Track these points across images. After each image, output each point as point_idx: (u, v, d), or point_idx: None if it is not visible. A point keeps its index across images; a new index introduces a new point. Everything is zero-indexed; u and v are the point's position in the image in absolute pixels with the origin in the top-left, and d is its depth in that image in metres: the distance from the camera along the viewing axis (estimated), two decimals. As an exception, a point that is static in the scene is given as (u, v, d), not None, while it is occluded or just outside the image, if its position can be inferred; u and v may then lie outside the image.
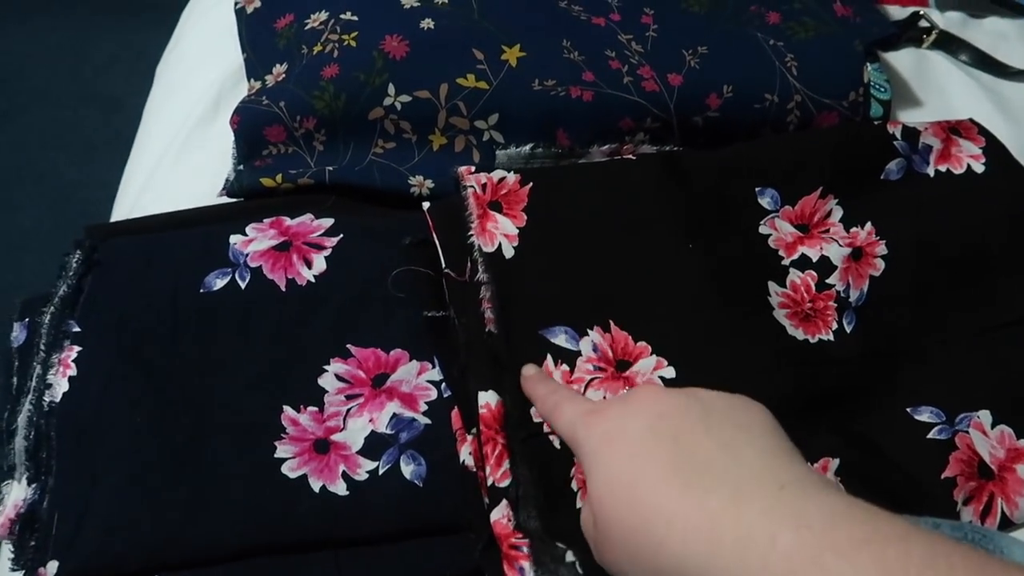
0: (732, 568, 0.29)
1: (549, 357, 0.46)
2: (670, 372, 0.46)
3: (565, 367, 0.46)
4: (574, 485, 0.42)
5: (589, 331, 0.47)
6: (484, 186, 0.51)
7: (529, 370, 0.45)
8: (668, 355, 0.47)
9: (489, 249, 0.48)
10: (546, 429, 0.43)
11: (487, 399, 0.43)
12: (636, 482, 0.33)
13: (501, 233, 0.49)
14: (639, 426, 0.35)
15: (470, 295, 0.47)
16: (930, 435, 0.47)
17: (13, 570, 0.41)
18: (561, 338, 0.47)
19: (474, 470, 0.43)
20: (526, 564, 0.39)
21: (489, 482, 0.42)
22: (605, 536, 0.34)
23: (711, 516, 0.31)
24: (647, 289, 0.49)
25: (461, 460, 0.44)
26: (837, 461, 0.45)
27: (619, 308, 0.48)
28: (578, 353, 0.46)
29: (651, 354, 0.47)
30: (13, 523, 0.42)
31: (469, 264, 0.48)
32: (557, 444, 0.43)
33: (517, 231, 0.49)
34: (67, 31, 1.65)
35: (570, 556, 0.39)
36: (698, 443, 0.34)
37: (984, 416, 0.48)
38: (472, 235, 0.49)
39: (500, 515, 0.40)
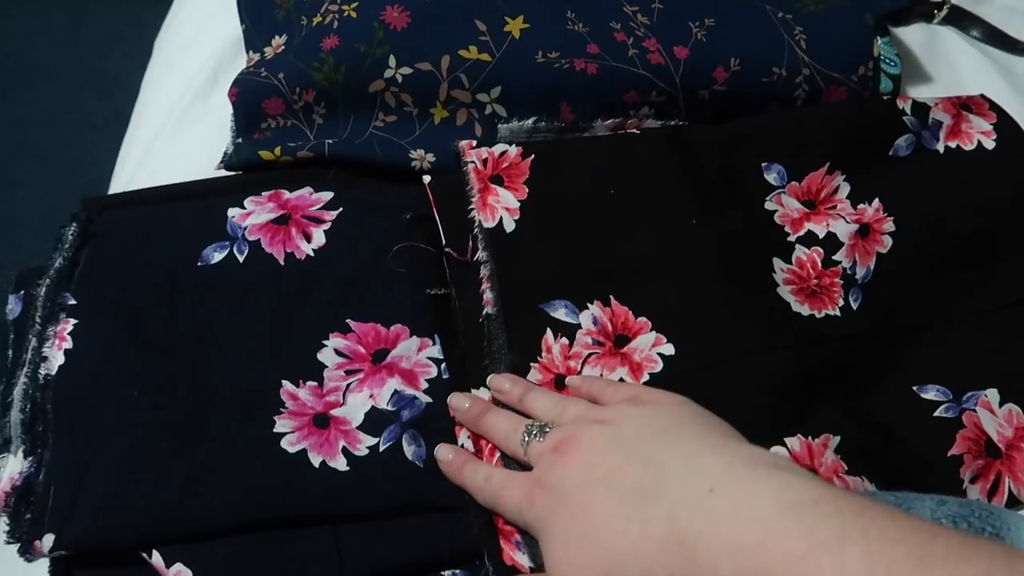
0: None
1: (549, 331, 0.46)
2: (669, 349, 0.46)
3: (564, 340, 0.46)
4: None
5: (589, 305, 0.47)
6: (485, 161, 0.50)
7: (446, 450, 0.43)
8: (668, 331, 0.46)
9: (490, 224, 0.48)
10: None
11: (481, 393, 0.44)
12: (586, 537, 0.35)
13: (502, 206, 0.48)
14: (573, 484, 0.36)
15: (470, 275, 0.47)
16: (937, 413, 0.46)
17: (8, 543, 0.41)
18: (561, 312, 0.46)
19: (473, 453, 0.43)
20: (520, 538, 0.39)
21: None
22: None
23: (657, 543, 0.32)
24: (649, 264, 0.48)
25: (460, 444, 0.43)
26: (838, 438, 0.44)
27: (620, 283, 0.47)
28: (578, 326, 0.46)
29: (651, 330, 0.46)
30: (9, 496, 0.42)
31: (470, 242, 0.48)
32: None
33: (519, 204, 0.49)
34: (66, 8, 1.64)
35: None
36: (625, 474, 0.35)
37: (992, 394, 0.47)
38: (473, 210, 0.48)
39: None
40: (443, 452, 0.43)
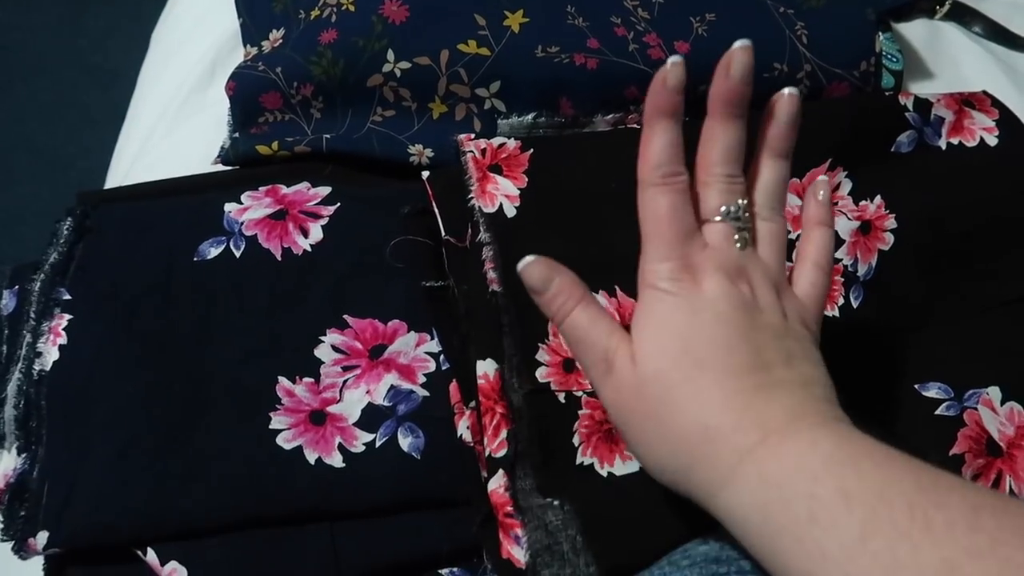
0: (764, 467, 0.31)
1: None
2: None
3: None
4: (576, 439, 0.42)
5: (595, 295, 0.46)
6: (484, 151, 0.49)
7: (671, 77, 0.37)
8: None
9: (490, 210, 0.47)
10: (553, 386, 0.43)
11: (485, 368, 0.42)
12: (707, 356, 0.33)
13: (502, 194, 0.48)
14: (733, 316, 0.34)
15: (471, 260, 0.46)
16: (938, 411, 0.46)
17: (2, 540, 0.40)
18: None
19: (472, 444, 0.42)
20: (520, 532, 0.39)
21: (487, 452, 0.41)
22: (639, 390, 0.33)
23: (766, 420, 0.32)
24: None
25: (459, 434, 0.43)
26: None
27: (625, 273, 0.47)
28: None
29: None
30: (2, 493, 0.42)
31: (470, 229, 0.47)
32: (562, 399, 0.43)
33: (518, 192, 0.48)
34: (64, 2, 1.63)
35: (556, 502, 0.39)
36: (774, 360, 0.34)
37: (993, 392, 0.47)
38: (472, 198, 0.48)
39: (497, 484, 0.40)
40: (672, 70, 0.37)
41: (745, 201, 0.37)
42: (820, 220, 0.41)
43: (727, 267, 0.35)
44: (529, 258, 0.36)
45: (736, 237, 0.36)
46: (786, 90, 0.39)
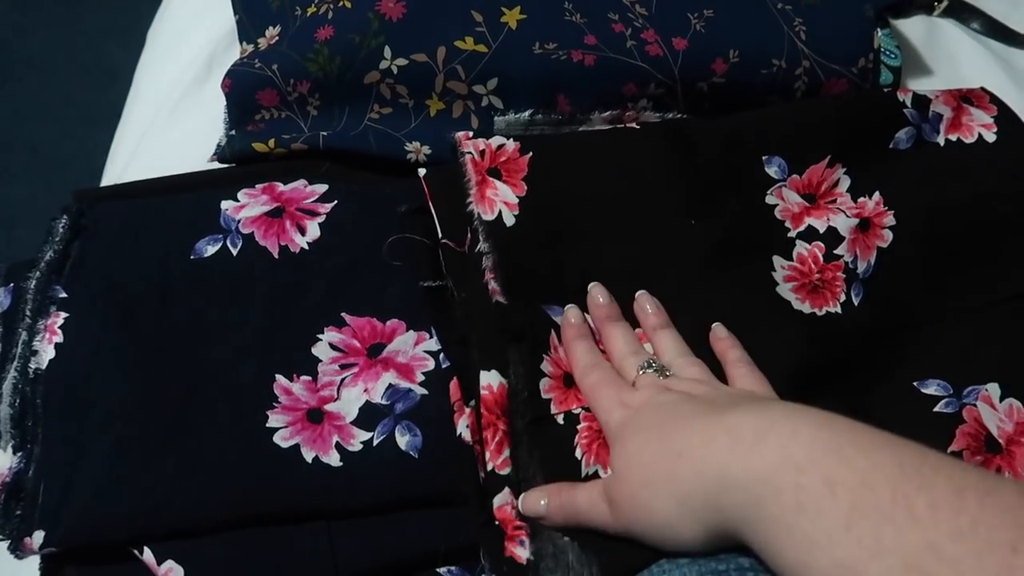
0: (752, 459, 0.31)
1: (554, 332, 0.45)
2: None
3: None
4: (578, 452, 0.41)
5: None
6: (483, 152, 0.49)
7: (572, 316, 0.45)
8: None
9: (489, 217, 0.47)
10: (553, 411, 0.43)
11: (489, 379, 0.42)
12: (660, 432, 0.36)
13: (501, 201, 0.48)
14: (664, 409, 0.38)
15: (470, 267, 0.46)
16: (937, 408, 0.46)
17: (-2, 540, 0.40)
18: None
19: (471, 443, 0.42)
20: (526, 539, 0.39)
21: (489, 467, 0.41)
22: (624, 479, 0.36)
23: (729, 427, 0.33)
24: (651, 265, 0.48)
25: (458, 432, 0.43)
26: None
27: (622, 288, 0.46)
28: None
29: None
30: (-1, 492, 0.41)
31: (469, 234, 0.47)
32: (561, 420, 0.42)
33: (517, 200, 0.48)
34: (61, 1, 1.63)
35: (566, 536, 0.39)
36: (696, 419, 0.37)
37: (992, 389, 0.47)
38: (471, 203, 0.48)
39: (503, 502, 0.40)
40: (571, 313, 0.45)
41: (653, 356, 0.44)
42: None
43: (657, 387, 0.40)
44: (521, 498, 0.40)
45: (659, 377, 0.42)
46: (638, 294, 0.46)
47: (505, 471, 0.40)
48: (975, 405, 0.46)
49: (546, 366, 0.44)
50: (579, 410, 0.43)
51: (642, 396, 0.40)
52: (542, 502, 0.40)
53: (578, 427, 0.42)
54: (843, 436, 0.31)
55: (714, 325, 0.46)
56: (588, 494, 0.38)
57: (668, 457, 0.35)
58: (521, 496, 0.40)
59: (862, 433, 0.31)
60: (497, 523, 0.40)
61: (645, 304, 0.46)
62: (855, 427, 0.31)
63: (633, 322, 0.46)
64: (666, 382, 0.41)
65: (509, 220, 0.47)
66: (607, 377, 0.42)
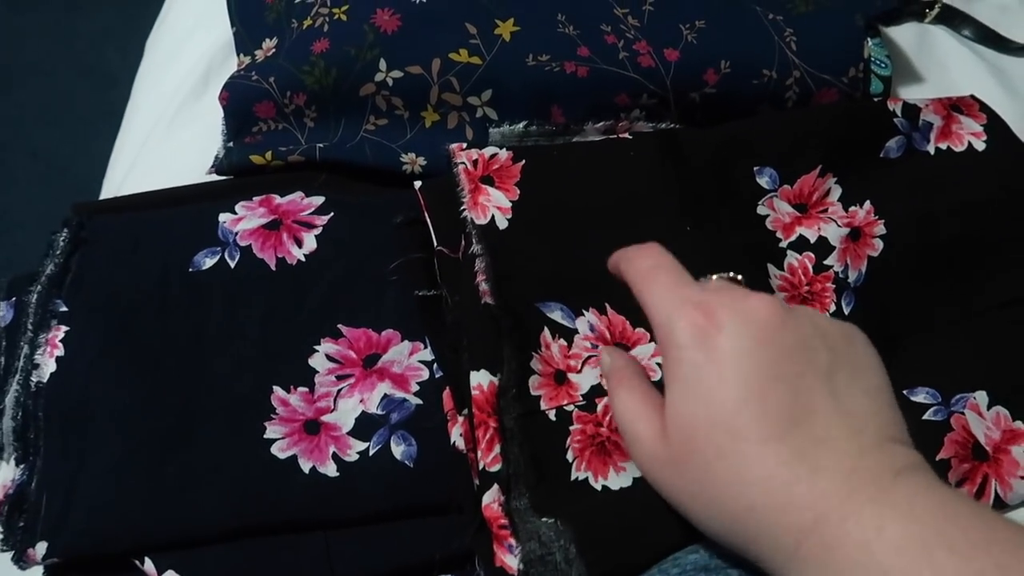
0: (828, 554, 0.28)
1: (546, 329, 0.45)
2: None
3: (563, 341, 0.45)
4: (569, 455, 0.42)
5: (585, 312, 0.47)
6: (475, 162, 0.50)
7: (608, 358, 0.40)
8: None
9: (482, 221, 0.48)
10: (543, 406, 0.43)
11: (479, 379, 0.42)
12: (740, 432, 0.30)
13: (494, 206, 0.48)
14: (758, 360, 0.31)
15: (463, 271, 0.47)
16: (926, 416, 0.46)
17: (2, 551, 0.41)
18: (557, 314, 0.46)
19: (465, 451, 0.43)
20: (513, 542, 0.39)
21: (480, 465, 0.41)
22: (677, 466, 0.32)
23: (816, 501, 0.29)
24: None
25: (452, 441, 0.43)
26: None
27: (615, 291, 0.47)
28: (575, 331, 0.46)
29: (649, 341, 0.46)
30: (2, 504, 0.42)
31: (463, 240, 0.48)
32: (553, 417, 0.43)
33: (510, 204, 0.49)
34: (60, 4, 1.63)
35: (549, 519, 0.39)
36: (818, 404, 0.31)
37: (980, 397, 0.47)
38: (464, 210, 0.48)
39: (491, 499, 0.40)
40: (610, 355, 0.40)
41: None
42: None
43: (739, 307, 0.32)
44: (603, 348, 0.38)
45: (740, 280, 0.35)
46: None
47: (495, 468, 0.41)
48: (963, 413, 0.47)
49: (535, 363, 0.44)
50: (572, 407, 0.44)
51: (716, 312, 0.32)
52: (607, 358, 0.37)
53: (571, 428, 0.43)
54: (934, 530, 0.27)
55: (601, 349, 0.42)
56: (633, 418, 0.34)
57: (734, 490, 0.30)
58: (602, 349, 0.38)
59: (953, 522, 0.27)
60: (487, 527, 0.40)
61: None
62: (945, 513, 0.27)
63: (648, 323, 0.46)
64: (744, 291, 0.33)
65: (502, 224, 0.48)
66: (669, 262, 0.35)
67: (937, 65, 0.66)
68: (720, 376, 0.31)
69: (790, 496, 0.29)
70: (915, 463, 0.31)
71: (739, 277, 0.37)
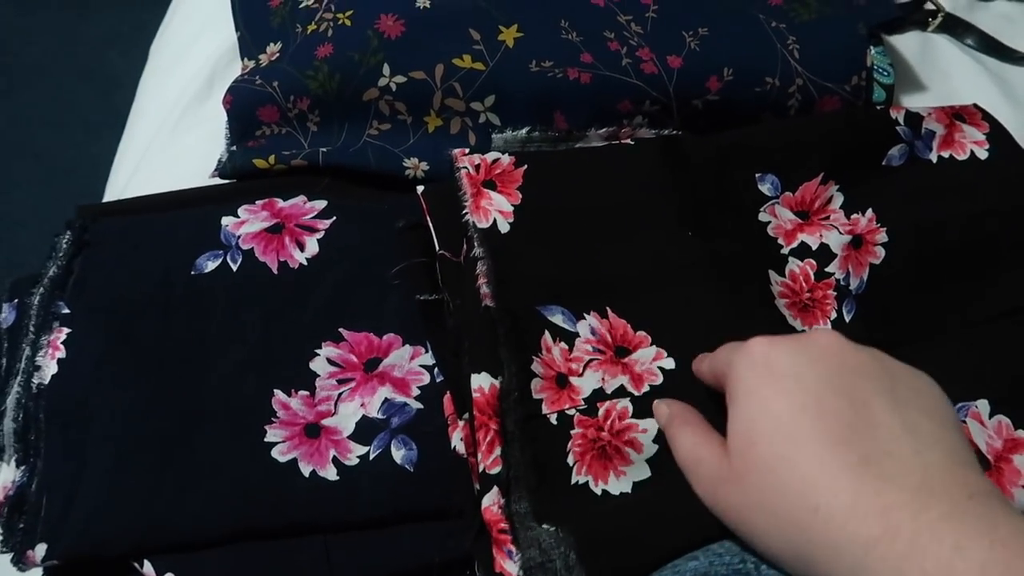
0: (902, 564, 0.27)
1: (547, 333, 0.45)
2: (670, 363, 0.45)
3: (564, 345, 0.45)
4: (570, 459, 0.42)
5: (586, 315, 0.47)
6: (477, 167, 0.50)
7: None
8: (668, 346, 0.46)
9: (484, 225, 0.48)
10: (544, 410, 0.43)
11: (480, 382, 0.42)
12: (801, 438, 0.30)
13: (496, 209, 0.48)
14: (816, 374, 0.31)
15: (465, 274, 0.47)
16: (927, 425, 0.46)
17: (1, 552, 0.41)
18: (558, 317, 0.46)
19: (465, 456, 0.43)
20: (513, 548, 0.39)
21: (480, 468, 0.41)
22: (740, 482, 0.32)
23: (886, 509, 0.28)
24: (645, 278, 0.48)
25: (452, 446, 0.43)
26: None
27: (616, 295, 0.47)
28: (576, 334, 0.46)
29: (651, 344, 0.46)
30: (2, 506, 0.42)
31: (465, 244, 0.48)
32: (554, 420, 0.43)
33: (512, 208, 0.49)
34: (64, 8, 1.64)
35: (550, 526, 0.39)
36: (880, 418, 0.31)
37: (982, 405, 0.47)
38: (466, 213, 0.48)
39: (491, 502, 0.40)
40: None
41: None
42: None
43: (798, 336, 0.34)
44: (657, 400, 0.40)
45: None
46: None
47: (495, 470, 0.41)
48: (965, 421, 0.46)
49: (537, 367, 0.44)
50: (573, 411, 0.44)
51: (784, 339, 0.33)
52: (664, 408, 0.38)
53: (572, 432, 0.43)
54: (1017, 552, 0.26)
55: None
56: (691, 445, 0.35)
57: (796, 491, 0.29)
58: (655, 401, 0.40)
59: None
60: (486, 531, 0.40)
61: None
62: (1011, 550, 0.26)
63: (649, 326, 0.47)
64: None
65: (504, 227, 0.48)
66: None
67: (940, 74, 0.66)
68: (777, 388, 0.32)
69: (856, 501, 0.28)
70: (991, 489, 0.30)
71: None
